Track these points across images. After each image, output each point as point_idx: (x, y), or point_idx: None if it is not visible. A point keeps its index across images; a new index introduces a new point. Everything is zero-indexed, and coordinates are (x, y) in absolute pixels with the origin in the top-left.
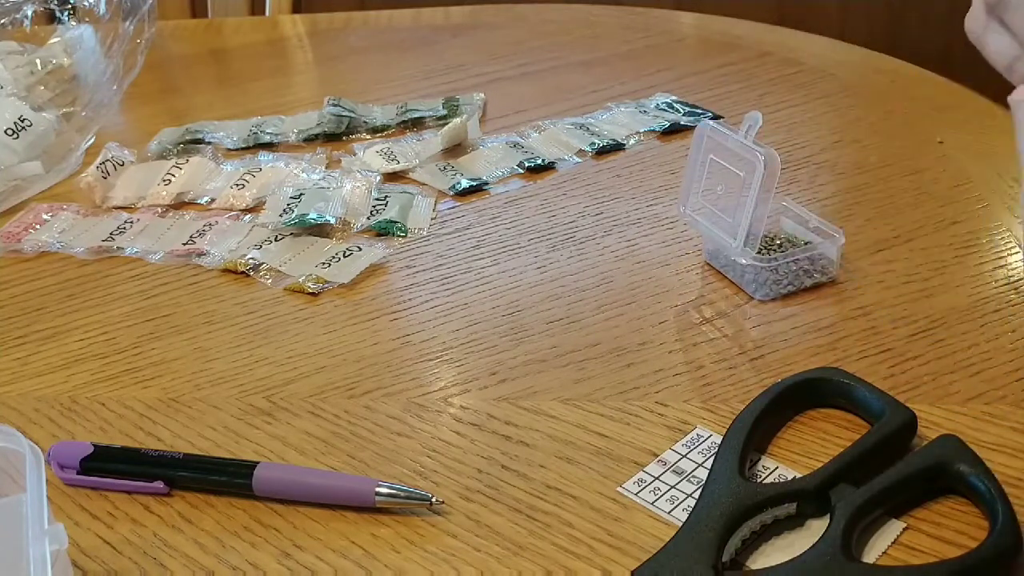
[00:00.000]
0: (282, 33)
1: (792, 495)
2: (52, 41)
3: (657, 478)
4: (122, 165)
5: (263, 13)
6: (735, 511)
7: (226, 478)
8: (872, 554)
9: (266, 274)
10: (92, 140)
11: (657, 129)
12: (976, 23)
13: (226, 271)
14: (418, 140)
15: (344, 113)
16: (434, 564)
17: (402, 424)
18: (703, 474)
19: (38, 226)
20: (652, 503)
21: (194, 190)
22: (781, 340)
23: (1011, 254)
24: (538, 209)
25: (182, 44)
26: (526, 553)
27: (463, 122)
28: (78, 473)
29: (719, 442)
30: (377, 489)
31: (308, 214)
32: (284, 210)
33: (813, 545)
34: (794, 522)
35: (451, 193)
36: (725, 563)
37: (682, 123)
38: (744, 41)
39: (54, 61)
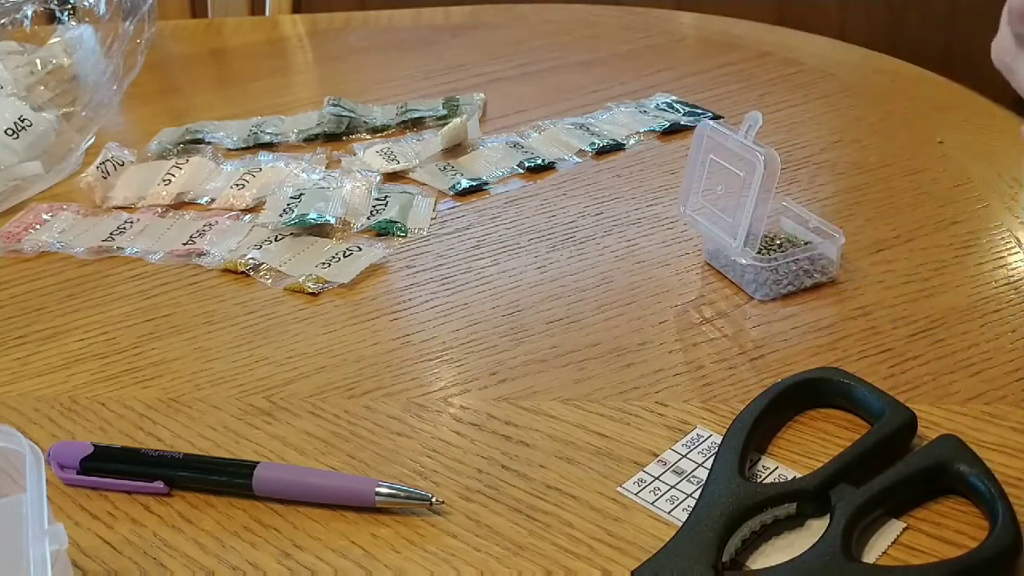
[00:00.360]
0: (282, 33)
1: (792, 495)
2: (52, 41)
3: (657, 478)
4: (122, 165)
5: (263, 13)
6: (735, 511)
7: (226, 478)
8: (872, 554)
9: (266, 274)
10: (92, 140)
11: (657, 129)
12: (1006, 53)
13: (226, 271)
14: (418, 140)
15: (344, 113)
16: (434, 564)
17: (402, 424)
18: (703, 474)
19: (38, 226)
20: (652, 503)
21: (194, 190)
22: (781, 340)
23: (1011, 254)
24: (538, 209)
25: (182, 44)
26: (526, 553)
27: (463, 122)
28: (78, 473)
29: (719, 442)
30: (377, 489)
31: (308, 214)
32: (284, 210)
33: (813, 545)
34: (794, 522)
35: (451, 193)
36: (725, 563)
37: (682, 123)
38: (744, 41)
39: (54, 61)
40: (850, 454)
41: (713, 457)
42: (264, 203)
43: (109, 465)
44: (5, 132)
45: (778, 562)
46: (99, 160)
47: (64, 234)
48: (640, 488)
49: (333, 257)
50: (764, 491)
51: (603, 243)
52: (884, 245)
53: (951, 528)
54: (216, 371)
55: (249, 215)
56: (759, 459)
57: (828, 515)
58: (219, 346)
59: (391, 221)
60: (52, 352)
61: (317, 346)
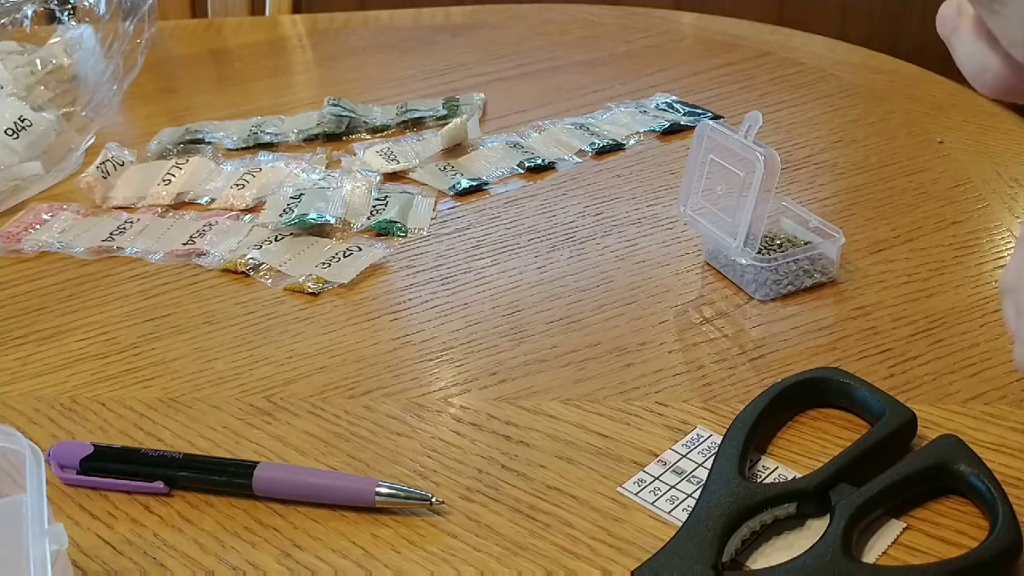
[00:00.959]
0: (282, 33)
1: (792, 495)
2: (52, 41)
3: (657, 478)
4: (122, 165)
5: (263, 13)
6: (735, 511)
7: (226, 478)
8: (872, 554)
9: (266, 274)
10: (92, 140)
11: (657, 129)
12: (946, 24)
13: (226, 271)
14: (418, 140)
15: (344, 113)
16: (434, 564)
17: (402, 424)
18: (703, 474)
19: (38, 226)
20: (652, 503)
21: (194, 190)
22: (781, 340)
23: (1011, 254)
24: (538, 209)
25: (182, 44)
26: (526, 553)
27: (463, 122)
28: (78, 473)
29: (719, 442)
30: (377, 489)
31: (308, 214)
32: (284, 210)
33: (813, 545)
34: (794, 522)
35: (451, 193)
36: (725, 563)
37: (682, 123)
38: (744, 41)
39: (54, 61)
40: (850, 454)
41: (713, 457)
42: (264, 203)
43: (109, 465)
44: (5, 132)
45: (778, 562)
46: (99, 160)
47: (64, 234)
48: (640, 488)
49: (333, 257)
50: (764, 491)
51: (603, 243)
52: (884, 245)
53: (951, 528)
54: (216, 371)
55: (249, 215)
56: (759, 459)
57: (828, 515)
58: (219, 346)
59: (391, 221)
60: (52, 352)
61: (317, 346)
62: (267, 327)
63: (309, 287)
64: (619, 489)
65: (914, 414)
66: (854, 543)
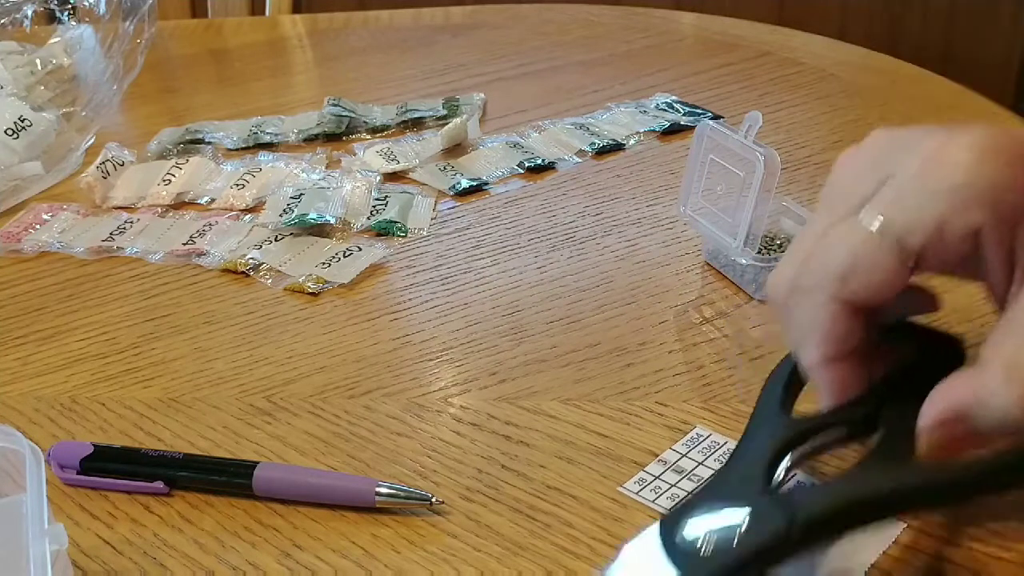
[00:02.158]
0: (282, 33)
1: (841, 421)
2: (52, 41)
3: (657, 477)
4: (122, 165)
5: (263, 13)
6: (785, 437)
7: (226, 478)
8: (872, 555)
9: (266, 274)
10: (92, 140)
11: (657, 129)
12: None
13: (226, 271)
14: (418, 140)
15: (344, 113)
16: (434, 564)
17: (402, 424)
18: (704, 473)
19: (38, 226)
20: (652, 501)
21: (194, 190)
22: (781, 340)
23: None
24: (538, 209)
25: (182, 44)
26: (526, 553)
27: (463, 122)
28: (78, 473)
29: (720, 439)
30: (377, 489)
31: (308, 214)
32: (284, 210)
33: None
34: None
35: (451, 193)
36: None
37: (682, 123)
38: (744, 41)
39: (54, 61)
40: (895, 375)
41: (715, 452)
42: (264, 203)
43: (109, 465)
44: (5, 132)
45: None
46: (99, 160)
47: (64, 234)
48: (641, 488)
49: (333, 257)
50: (811, 420)
51: (603, 243)
52: None
53: (951, 530)
54: (216, 371)
55: (249, 215)
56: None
57: (878, 434)
58: (219, 346)
59: (391, 221)
60: (52, 352)
61: (317, 346)
62: (267, 327)
63: (309, 287)
64: (619, 489)
65: (961, 342)
66: (907, 448)
